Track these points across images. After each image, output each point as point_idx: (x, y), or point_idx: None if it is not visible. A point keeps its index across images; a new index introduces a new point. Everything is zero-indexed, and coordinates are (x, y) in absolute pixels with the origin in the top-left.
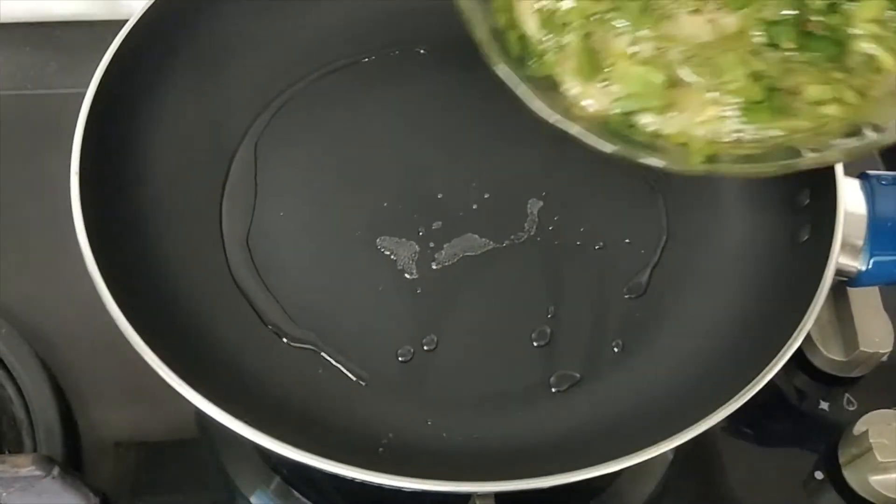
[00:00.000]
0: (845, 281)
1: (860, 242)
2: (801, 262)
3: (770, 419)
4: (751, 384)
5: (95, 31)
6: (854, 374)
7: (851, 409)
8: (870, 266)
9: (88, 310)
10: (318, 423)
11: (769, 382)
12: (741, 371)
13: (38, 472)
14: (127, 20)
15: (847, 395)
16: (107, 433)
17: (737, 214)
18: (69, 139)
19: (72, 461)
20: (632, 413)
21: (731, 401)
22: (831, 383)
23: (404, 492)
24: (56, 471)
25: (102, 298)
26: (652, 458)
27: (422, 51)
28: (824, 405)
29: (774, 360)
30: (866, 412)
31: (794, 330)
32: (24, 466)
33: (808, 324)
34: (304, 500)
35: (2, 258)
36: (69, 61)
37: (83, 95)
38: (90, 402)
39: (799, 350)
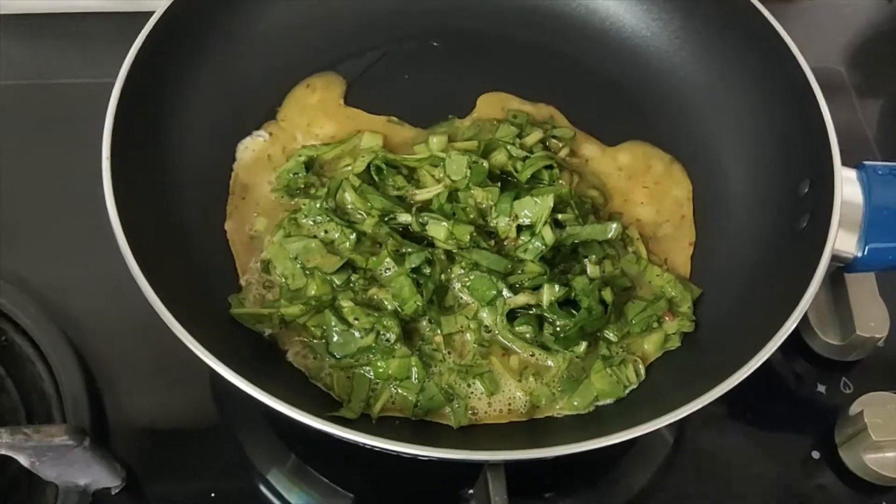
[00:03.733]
0: (842, 267)
1: (856, 230)
2: (799, 248)
3: (769, 402)
4: (747, 364)
5: (117, 22)
6: (851, 359)
7: (848, 392)
8: (865, 253)
9: (115, 291)
10: None
11: (769, 366)
12: (740, 353)
13: (70, 442)
14: (148, 12)
15: (844, 378)
16: (132, 411)
17: (738, 202)
18: (92, 127)
19: (99, 435)
20: (638, 391)
21: (730, 378)
22: (829, 367)
23: (419, 462)
24: (87, 441)
25: (134, 277)
26: (657, 437)
27: (435, 43)
28: (822, 388)
29: (770, 343)
30: (862, 395)
31: (791, 313)
32: (58, 436)
33: (803, 307)
34: (319, 476)
35: (31, 242)
36: (91, 52)
37: (106, 85)
38: (116, 380)
39: (797, 335)
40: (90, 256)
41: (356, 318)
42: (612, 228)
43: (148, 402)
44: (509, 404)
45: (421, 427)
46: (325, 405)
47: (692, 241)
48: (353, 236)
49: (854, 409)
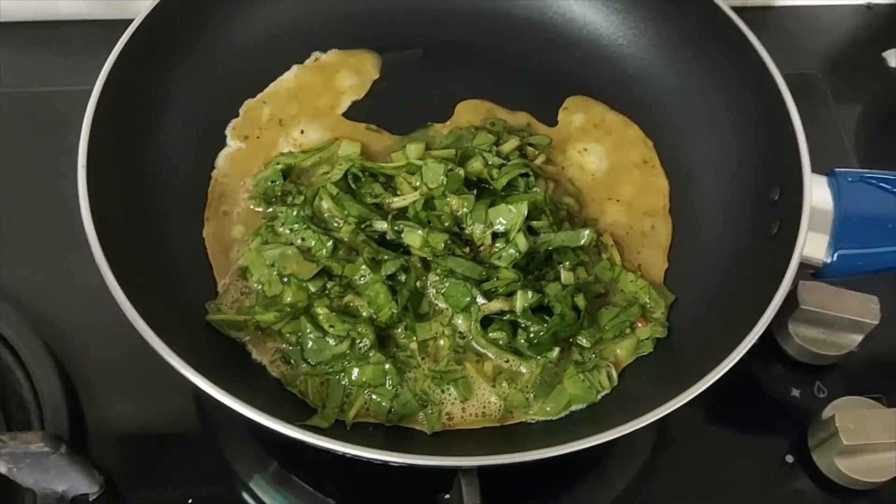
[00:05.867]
0: (813, 273)
1: (826, 236)
2: (770, 253)
3: (745, 406)
4: (715, 369)
5: (102, 30)
6: (825, 363)
7: (822, 396)
8: (835, 259)
9: (96, 299)
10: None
11: (745, 370)
12: (710, 357)
13: (46, 449)
14: (132, 19)
15: (818, 382)
16: (111, 417)
17: (711, 207)
18: (75, 135)
19: (77, 442)
20: (610, 397)
21: (699, 382)
22: (803, 371)
23: (397, 468)
24: (64, 448)
25: (108, 284)
26: (634, 443)
27: (414, 52)
28: (796, 392)
29: (738, 348)
30: (836, 399)
31: (760, 318)
32: (34, 443)
33: (771, 312)
34: (300, 482)
35: (11, 248)
36: (76, 60)
37: (89, 93)
38: (95, 387)
39: (772, 339)
40: (71, 264)
41: (331, 325)
42: (585, 235)
43: (128, 409)
44: (483, 409)
45: (395, 433)
46: (301, 412)
47: (666, 247)
48: (330, 244)
49: (826, 413)
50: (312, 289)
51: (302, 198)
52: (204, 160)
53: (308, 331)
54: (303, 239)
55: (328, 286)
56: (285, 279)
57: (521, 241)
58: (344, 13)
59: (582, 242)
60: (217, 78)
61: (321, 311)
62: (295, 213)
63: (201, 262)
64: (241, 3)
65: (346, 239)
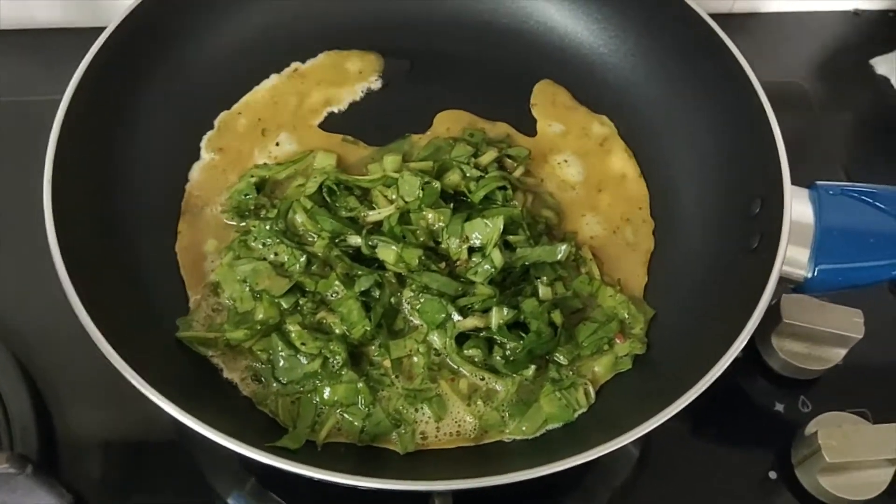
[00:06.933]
0: (793, 288)
1: (807, 250)
2: (750, 268)
3: (728, 420)
4: (695, 386)
5: (79, 37)
6: (809, 377)
7: (806, 410)
8: (815, 274)
9: (66, 311)
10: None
11: (728, 384)
12: (690, 374)
13: (11, 470)
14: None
15: (802, 397)
16: (82, 434)
17: (691, 219)
18: (45, 145)
19: (47, 460)
20: (588, 415)
21: (678, 400)
22: (787, 386)
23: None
24: (30, 468)
25: (71, 302)
26: (615, 458)
27: (392, 62)
28: (780, 407)
29: (718, 364)
30: (820, 413)
31: (739, 333)
32: (0, 464)
33: (751, 328)
34: (278, 499)
35: None
36: (53, 68)
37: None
38: (66, 403)
39: (756, 353)
40: (41, 276)
41: (303, 343)
42: (562, 250)
43: (100, 425)
44: (458, 429)
45: (368, 453)
46: (271, 432)
47: (646, 260)
48: (304, 259)
49: (809, 429)
50: (285, 305)
51: (276, 211)
52: (177, 173)
53: (280, 349)
54: (276, 254)
55: (301, 302)
56: (257, 295)
57: (497, 257)
58: (324, 23)
59: (559, 257)
60: (192, 88)
61: (293, 328)
62: (268, 227)
63: (173, 277)
64: (219, 12)
65: (319, 254)
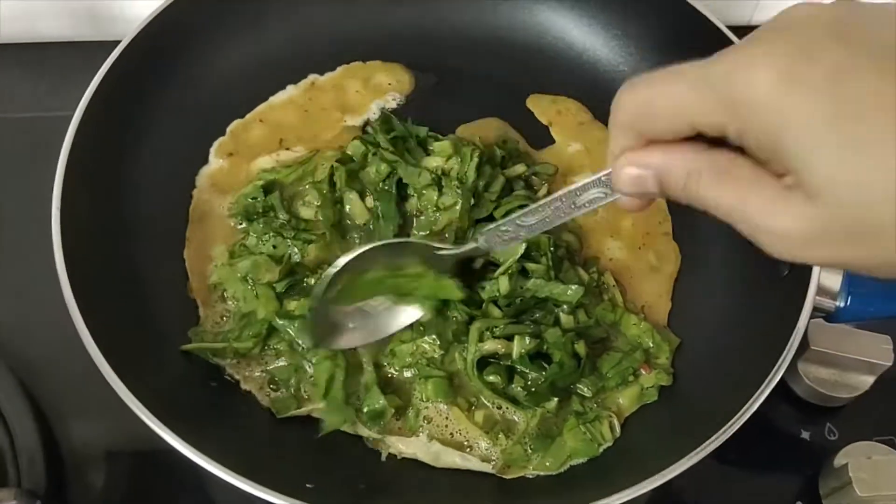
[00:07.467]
0: (825, 317)
1: (839, 279)
2: (780, 296)
3: (752, 448)
4: (730, 422)
5: (86, 52)
6: (836, 405)
7: (833, 438)
8: (848, 303)
9: (75, 336)
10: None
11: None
12: (720, 406)
13: None
14: (114, 41)
15: (829, 424)
16: (91, 463)
17: (718, 246)
18: (52, 163)
19: (55, 491)
20: (613, 449)
21: (711, 439)
22: (813, 412)
23: None
24: None
25: (73, 320)
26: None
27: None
28: (805, 434)
29: (754, 398)
30: (847, 442)
31: (774, 364)
32: (6, 500)
33: (786, 358)
34: None
35: None
36: (60, 83)
37: (70, 119)
38: (74, 431)
39: (781, 379)
40: (50, 299)
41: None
42: (573, 290)
43: (108, 455)
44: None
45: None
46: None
47: (670, 287)
48: (305, 247)
49: (839, 461)
50: (279, 289)
51: (300, 171)
52: (186, 180)
53: (287, 326)
54: (274, 246)
55: (300, 281)
56: (257, 293)
57: (504, 284)
58: (342, 38)
59: (570, 298)
60: (207, 98)
61: (292, 305)
62: (262, 224)
63: (182, 293)
64: (237, 23)
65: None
